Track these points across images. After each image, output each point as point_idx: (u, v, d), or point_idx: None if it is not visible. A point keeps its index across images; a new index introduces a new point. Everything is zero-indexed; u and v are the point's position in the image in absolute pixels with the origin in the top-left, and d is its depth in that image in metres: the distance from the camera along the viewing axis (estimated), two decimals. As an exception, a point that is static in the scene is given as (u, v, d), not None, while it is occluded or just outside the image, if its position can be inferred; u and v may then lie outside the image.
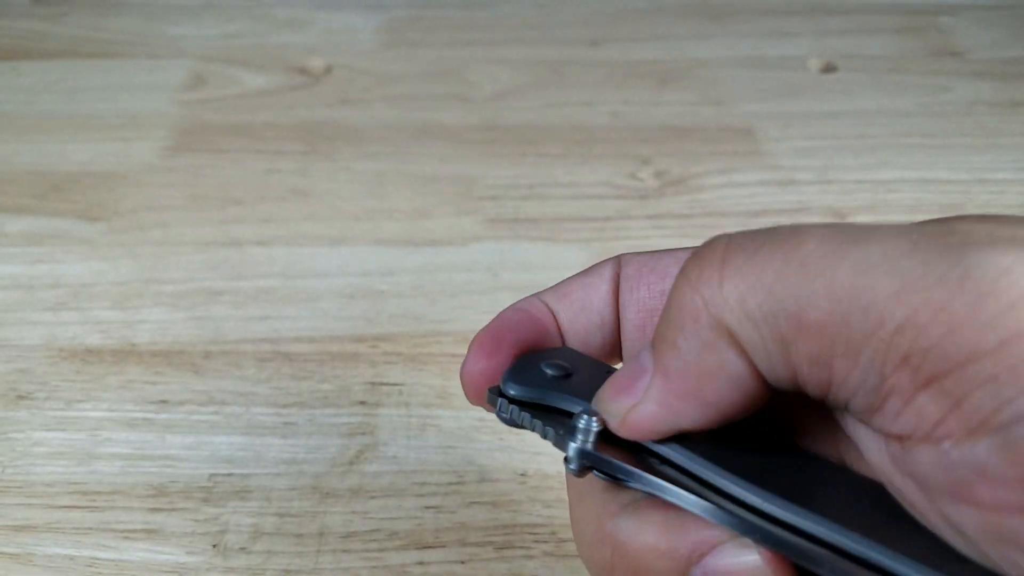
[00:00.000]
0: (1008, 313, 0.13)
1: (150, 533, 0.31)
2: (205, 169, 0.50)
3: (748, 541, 0.16)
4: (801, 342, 0.15)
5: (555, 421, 0.19)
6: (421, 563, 0.31)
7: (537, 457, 0.34)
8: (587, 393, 0.19)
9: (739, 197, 0.48)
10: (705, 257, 0.16)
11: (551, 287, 0.21)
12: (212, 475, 0.33)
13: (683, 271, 0.17)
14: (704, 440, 0.17)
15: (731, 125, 0.54)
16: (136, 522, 0.32)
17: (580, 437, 0.18)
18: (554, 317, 0.21)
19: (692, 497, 0.16)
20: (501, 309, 0.21)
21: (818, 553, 0.15)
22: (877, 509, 0.16)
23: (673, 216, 0.46)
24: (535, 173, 0.50)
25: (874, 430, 0.16)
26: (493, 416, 0.20)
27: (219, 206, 0.47)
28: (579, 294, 0.21)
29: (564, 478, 0.33)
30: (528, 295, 0.21)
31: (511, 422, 0.19)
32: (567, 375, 0.19)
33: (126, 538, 0.31)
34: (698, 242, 0.17)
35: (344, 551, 0.31)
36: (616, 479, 0.17)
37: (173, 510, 0.32)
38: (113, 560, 0.31)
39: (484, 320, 0.21)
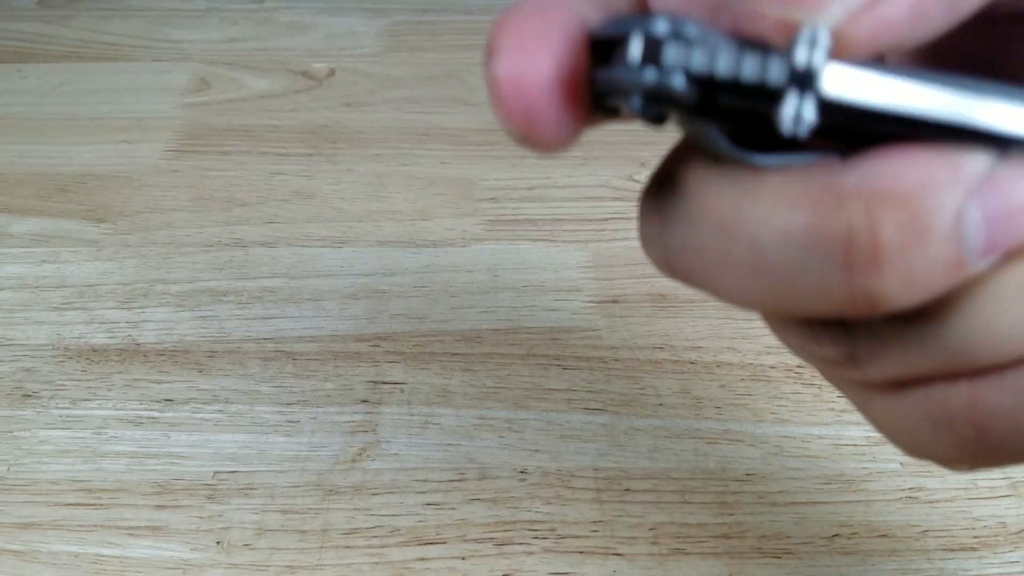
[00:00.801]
0: None
1: (154, 530, 0.32)
2: (210, 171, 0.50)
3: None
4: None
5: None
6: (422, 559, 0.31)
7: (536, 454, 0.34)
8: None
9: (738, 199, 0.48)
10: None
11: None
12: (216, 472, 0.34)
13: None
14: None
15: (730, 128, 0.54)
16: (140, 519, 0.32)
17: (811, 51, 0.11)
18: None
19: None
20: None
21: None
22: None
23: (672, 218, 0.47)
24: (534, 175, 0.50)
25: None
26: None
27: (223, 207, 0.47)
28: None
29: (562, 475, 0.34)
30: None
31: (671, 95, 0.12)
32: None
33: (130, 535, 0.32)
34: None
35: (347, 547, 0.31)
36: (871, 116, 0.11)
37: (177, 507, 0.33)
38: (117, 557, 0.31)
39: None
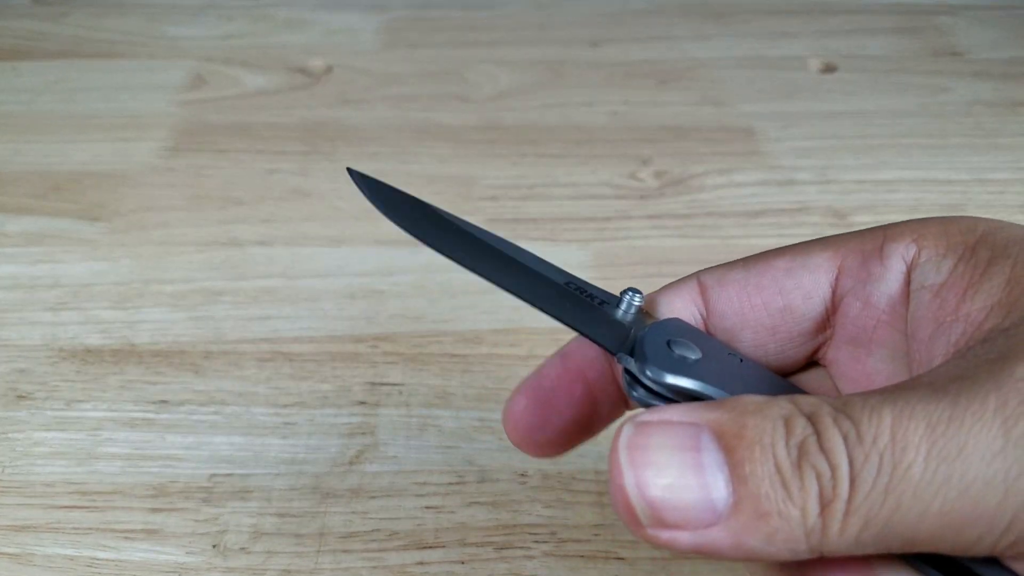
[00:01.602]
0: None
1: (150, 533, 0.32)
2: (206, 169, 0.50)
3: None
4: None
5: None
6: (421, 563, 0.31)
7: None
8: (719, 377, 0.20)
9: (739, 197, 0.48)
10: None
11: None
12: (212, 475, 0.33)
13: None
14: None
15: (731, 125, 0.54)
16: (136, 522, 0.32)
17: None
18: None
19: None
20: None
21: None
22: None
23: (673, 216, 0.46)
24: (535, 173, 0.50)
25: None
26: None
27: (220, 206, 0.47)
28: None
29: (563, 478, 0.33)
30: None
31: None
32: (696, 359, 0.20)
33: (126, 538, 0.31)
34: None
35: (344, 551, 0.31)
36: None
37: (173, 510, 0.32)
38: (113, 560, 0.31)
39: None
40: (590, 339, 0.21)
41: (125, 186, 0.48)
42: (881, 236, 0.21)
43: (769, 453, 0.16)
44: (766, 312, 0.22)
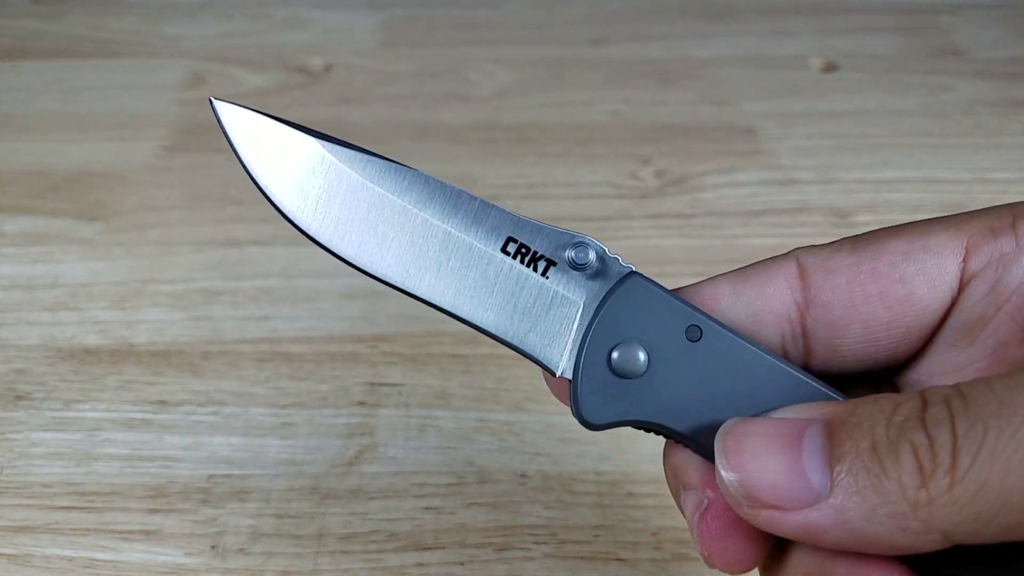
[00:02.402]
0: None
1: (148, 534, 0.31)
2: (204, 169, 0.50)
3: None
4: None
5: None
6: (420, 564, 0.30)
7: (537, 458, 0.34)
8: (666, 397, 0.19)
9: (740, 196, 0.48)
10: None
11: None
12: (211, 476, 0.33)
13: None
14: None
15: (732, 124, 0.54)
16: (134, 523, 0.32)
17: None
18: None
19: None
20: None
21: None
22: None
23: (674, 216, 0.46)
24: (535, 172, 0.49)
25: None
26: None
27: (218, 206, 0.47)
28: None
29: (563, 479, 0.33)
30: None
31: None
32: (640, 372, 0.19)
33: (124, 539, 0.31)
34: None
35: (343, 552, 0.31)
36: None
37: (171, 511, 0.32)
38: (111, 561, 0.31)
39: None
40: (528, 358, 0.20)
41: (123, 186, 0.48)
42: (1010, 214, 0.18)
43: (868, 433, 0.15)
44: (882, 304, 0.19)
